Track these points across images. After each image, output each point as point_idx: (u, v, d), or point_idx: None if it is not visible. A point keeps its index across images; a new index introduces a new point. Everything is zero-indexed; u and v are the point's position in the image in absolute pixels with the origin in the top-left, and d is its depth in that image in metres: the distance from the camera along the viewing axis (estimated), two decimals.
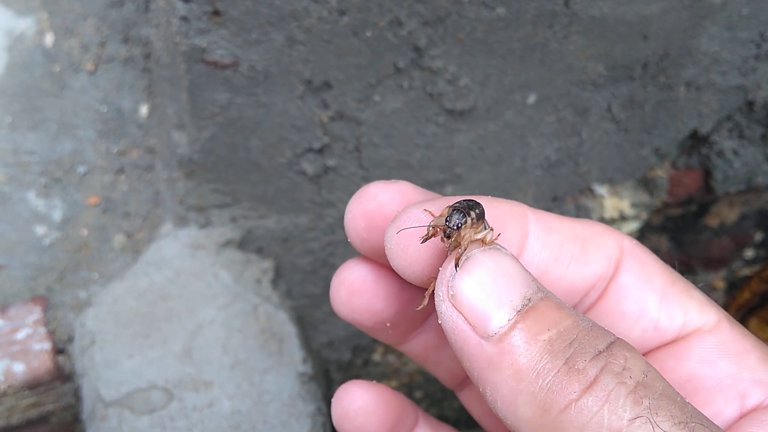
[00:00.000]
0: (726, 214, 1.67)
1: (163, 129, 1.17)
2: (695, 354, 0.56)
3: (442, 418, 1.24)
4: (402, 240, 0.54)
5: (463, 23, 1.01)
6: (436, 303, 0.50)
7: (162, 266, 1.15)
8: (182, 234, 1.18)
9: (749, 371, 0.55)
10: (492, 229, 0.52)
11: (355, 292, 0.64)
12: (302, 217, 1.21)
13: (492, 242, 0.51)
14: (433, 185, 1.23)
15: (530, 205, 0.60)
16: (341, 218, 1.22)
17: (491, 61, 1.08)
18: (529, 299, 0.47)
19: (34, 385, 1.07)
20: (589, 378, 0.43)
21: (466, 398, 0.69)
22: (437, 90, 1.09)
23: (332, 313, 1.41)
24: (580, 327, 0.46)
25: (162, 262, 1.16)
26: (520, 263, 0.50)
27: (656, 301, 0.58)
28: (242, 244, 1.21)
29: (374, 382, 0.66)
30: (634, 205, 1.51)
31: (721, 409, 0.54)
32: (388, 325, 0.64)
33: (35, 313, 1.10)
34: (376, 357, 1.59)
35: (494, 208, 0.57)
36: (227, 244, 1.19)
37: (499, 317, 0.47)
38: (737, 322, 0.58)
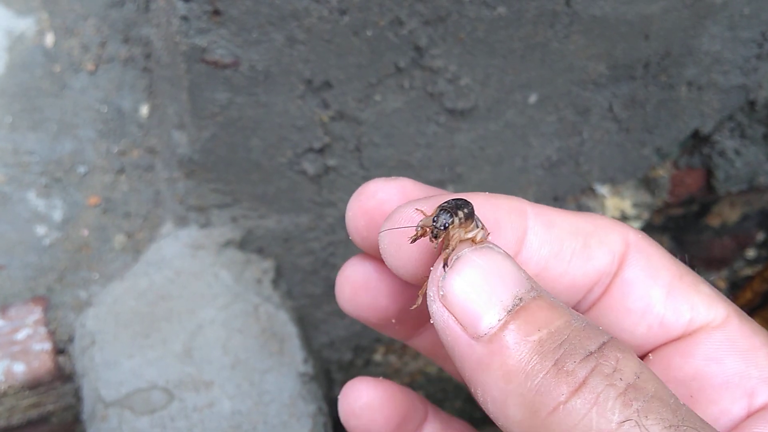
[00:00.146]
0: (728, 214, 1.66)
1: (164, 129, 1.17)
2: (702, 351, 0.55)
3: None
4: (395, 239, 0.54)
5: (463, 23, 1.01)
6: (427, 303, 0.49)
7: (162, 266, 1.15)
8: (183, 234, 1.18)
9: (758, 368, 0.53)
10: (483, 228, 0.52)
11: (359, 289, 0.64)
12: (303, 217, 1.20)
13: (482, 241, 0.50)
14: (434, 185, 1.23)
15: None
16: (342, 218, 1.21)
17: (492, 61, 1.08)
18: (521, 299, 0.47)
19: (34, 385, 1.07)
20: (578, 380, 0.43)
21: None
22: (438, 89, 1.09)
23: (333, 313, 1.40)
24: (572, 327, 0.46)
25: (162, 262, 1.15)
26: (514, 261, 0.49)
27: (662, 296, 0.57)
28: (243, 244, 1.20)
29: (381, 378, 0.65)
30: (635, 205, 1.50)
31: (727, 407, 0.53)
32: (394, 321, 0.64)
33: (35, 314, 1.10)
34: (377, 357, 1.59)
35: (491, 205, 0.56)
36: (228, 244, 1.19)
37: (489, 317, 0.46)
38: (748, 318, 0.57)
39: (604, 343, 0.45)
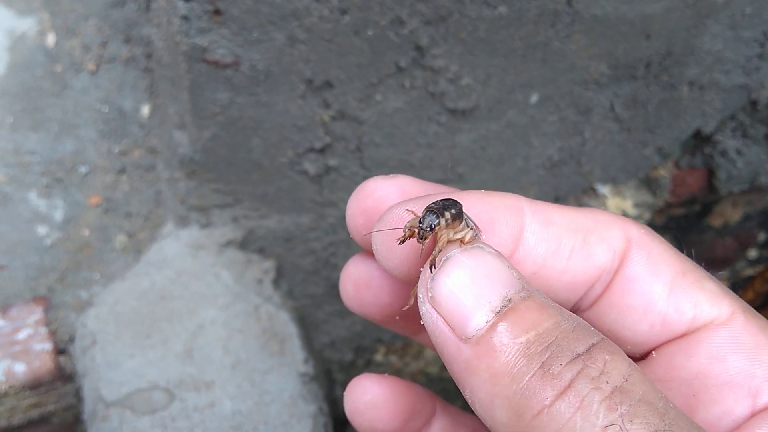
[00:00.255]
0: (729, 214, 1.66)
1: (165, 129, 1.17)
2: (704, 349, 0.54)
3: None
4: (386, 240, 0.54)
5: (464, 22, 1.01)
6: (418, 304, 0.49)
7: (163, 266, 1.15)
8: (184, 234, 1.18)
9: (763, 367, 0.52)
10: (472, 228, 0.51)
11: (362, 287, 0.64)
12: (304, 217, 1.20)
13: (472, 241, 0.49)
14: None
15: None
16: (343, 218, 1.21)
17: (493, 61, 1.08)
18: (510, 300, 0.46)
19: (35, 385, 1.07)
20: (564, 383, 0.42)
21: None
22: (439, 89, 1.08)
23: (334, 313, 1.40)
24: (562, 328, 0.45)
25: (163, 262, 1.15)
26: (505, 261, 0.49)
27: (664, 293, 0.55)
28: (244, 244, 1.20)
29: (386, 375, 0.65)
30: (637, 205, 1.50)
31: (730, 407, 0.52)
32: (398, 318, 0.64)
33: (36, 314, 1.10)
34: (378, 357, 1.59)
35: (485, 203, 0.55)
36: (229, 244, 1.18)
37: (477, 319, 0.46)
38: (756, 314, 0.55)
39: (593, 345, 0.44)
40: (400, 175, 0.60)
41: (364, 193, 0.60)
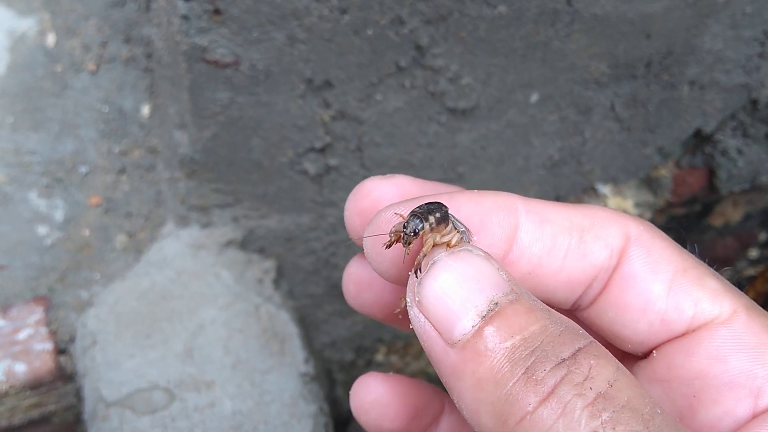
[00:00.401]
0: (730, 213, 1.66)
1: (165, 129, 1.17)
2: (704, 349, 0.53)
3: None
4: (376, 244, 0.53)
5: (464, 22, 1.01)
6: (407, 307, 0.49)
7: (163, 266, 1.15)
8: (184, 234, 1.18)
9: (764, 367, 0.51)
10: (460, 231, 0.51)
11: (364, 286, 0.64)
12: (304, 217, 1.20)
13: (458, 244, 0.49)
14: None
15: None
16: (343, 218, 1.21)
17: (493, 60, 1.08)
18: (497, 303, 0.46)
19: (35, 385, 1.07)
20: (547, 389, 0.42)
21: None
22: (439, 89, 1.08)
23: (334, 313, 1.40)
24: (548, 332, 0.45)
25: (164, 262, 1.15)
26: (494, 263, 0.48)
27: (663, 291, 0.54)
28: (244, 244, 1.20)
29: (391, 373, 0.65)
30: (637, 205, 1.50)
31: (731, 408, 0.51)
32: (401, 317, 0.64)
33: (37, 314, 1.10)
34: (379, 357, 1.59)
35: (476, 204, 0.55)
36: (229, 243, 1.18)
37: (463, 324, 0.45)
38: (761, 312, 0.54)
39: (578, 349, 0.44)
40: (397, 175, 0.60)
41: (361, 194, 0.60)
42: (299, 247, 1.25)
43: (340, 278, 1.32)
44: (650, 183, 1.48)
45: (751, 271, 1.83)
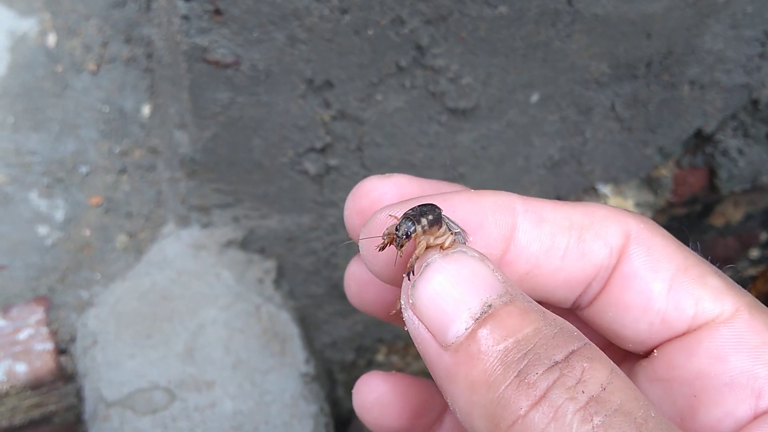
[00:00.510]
0: (731, 213, 1.66)
1: (165, 129, 1.17)
2: (705, 348, 0.52)
3: None
4: (371, 246, 0.53)
5: (465, 21, 1.01)
6: (401, 310, 0.49)
7: (164, 266, 1.15)
8: (184, 234, 1.18)
9: (766, 367, 0.50)
10: (454, 233, 0.50)
11: (365, 285, 0.64)
12: (304, 217, 1.20)
13: (452, 246, 0.49)
14: None
15: None
16: (343, 218, 1.21)
17: (494, 60, 1.08)
18: (490, 305, 0.45)
19: (36, 385, 1.07)
20: (539, 392, 0.42)
21: None
22: (440, 89, 1.08)
23: (335, 314, 1.40)
24: (542, 334, 0.44)
25: (164, 262, 1.15)
26: (489, 264, 0.48)
27: (663, 290, 0.53)
28: (244, 244, 1.20)
29: (393, 372, 0.65)
30: (638, 205, 1.50)
31: (732, 409, 0.50)
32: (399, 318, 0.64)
33: (37, 314, 1.10)
34: (380, 357, 1.59)
35: (472, 204, 0.54)
36: (229, 244, 1.18)
37: (456, 326, 0.45)
38: (764, 310, 0.52)
39: (572, 352, 0.44)
40: (396, 174, 0.60)
41: (360, 193, 0.60)
42: (300, 247, 1.25)
43: (340, 278, 1.32)
44: (651, 183, 1.48)
45: (752, 271, 1.83)
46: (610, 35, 1.12)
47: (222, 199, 1.15)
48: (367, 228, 0.54)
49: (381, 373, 0.65)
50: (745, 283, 1.84)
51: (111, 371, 1.04)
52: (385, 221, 0.52)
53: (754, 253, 1.79)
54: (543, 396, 0.41)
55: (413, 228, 0.48)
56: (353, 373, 1.57)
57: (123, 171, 1.25)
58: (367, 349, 1.54)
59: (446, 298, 0.46)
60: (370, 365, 1.59)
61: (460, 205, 0.54)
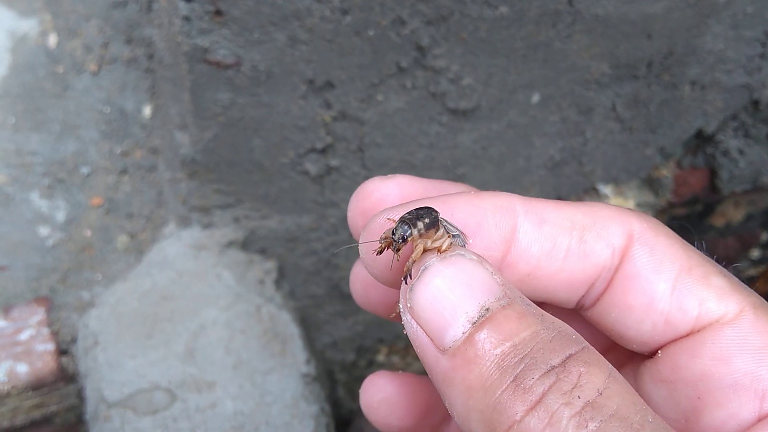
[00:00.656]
0: (732, 214, 1.66)
1: (166, 129, 1.17)
2: (709, 350, 0.51)
3: None
4: (370, 249, 0.53)
5: (465, 22, 1.01)
6: (400, 313, 0.49)
7: (165, 267, 1.15)
8: (185, 234, 1.18)
9: None
10: (452, 235, 0.50)
11: (370, 285, 0.64)
12: (305, 218, 1.20)
13: (449, 249, 0.48)
14: None
15: None
16: (344, 219, 1.21)
17: (494, 61, 1.08)
18: (488, 309, 0.45)
19: (37, 386, 1.07)
20: (535, 397, 0.41)
21: None
22: (440, 89, 1.08)
23: (336, 314, 1.40)
24: (539, 338, 0.44)
25: (165, 262, 1.15)
26: (487, 267, 0.48)
27: (667, 291, 0.53)
28: (245, 245, 1.20)
29: (400, 372, 0.65)
30: (638, 205, 1.50)
31: (735, 411, 0.50)
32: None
33: (38, 314, 1.10)
34: (380, 358, 1.59)
35: (472, 206, 0.54)
36: (230, 244, 1.18)
37: (454, 330, 0.45)
38: None
39: (569, 356, 0.43)
40: (398, 175, 0.60)
41: (363, 195, 0.60)
42: (300, 247, 1.25)
43: (341, 279, 1.33)
44: (651, 183, 1.48)
45: (752, 272, 1.83)
46: (610, 36, 1.12)
47: (223, 199, 1.15)
48: (366, 231, 0.54)
49: (388, 372, 0.65)
50: (745, 283, 1.84)
51: (112, 372, 1.04)
52: (384, 224, 0.52)
53: (755, 253, 1.79)
54: (539, 401, 0.41)
55: (409, 232, 0.48)
56: (354, 373, 1.57)
57: (124, 171, 1.25)
58: (367, 349, 1.54)
59: (444, 301, 0.46)
60: (371, 366, 1.59)
61: (459, 207, 0.53)
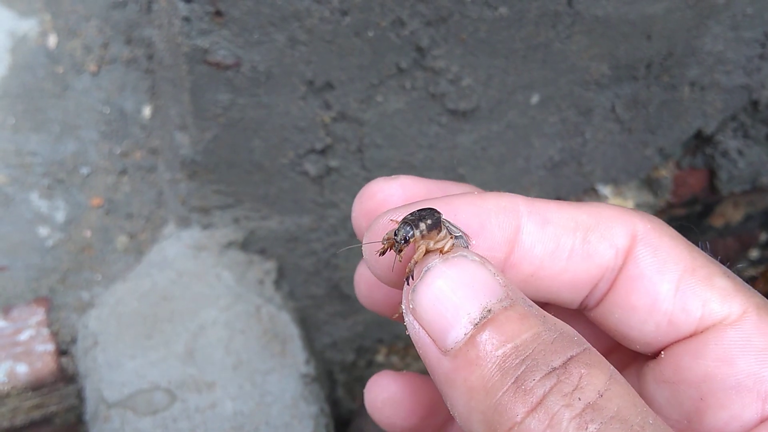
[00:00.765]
0: (731, 214, 1.66)
1: (166, 130, 1.17)
2: (712, 351, 0.51)
3: None
4: (373, 250, 0.53)
5: (465, 23, 1.01)
6: (403, 314, 0.49)
7: (165, 267, 1.15)
8: (185, 235, 1.18)
9: None
10: (455, 236, 0.50)
11: (374, 285, 0.64)
12: (305, 218, 1.20)
13: (451, 250, 0.49)
14: None
15: None
16: (344, 219, 1.21)
17: (494, 61, 1.08)
18: (490, 310, 0.45)
19: (37, 386, 1.07)
20: (536, 399, 0.42)
21: None
22: (440, 90, 1.08)
23: (335, 314, 1.40)
24: (541, 340, 0.44)
25: (165, 263, 1.16)
26: (490, 268, 0.48)
27: (670, 292, 0.53)
28: (245, 245, 1.20)
29: (404, 372, 0.65)
30: (638, 206, 1.50)
31: (738, 412, 0.50)
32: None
33: (38, 315, 1.10)
34: (380, 358, 1.59)
35: (475, 207, 0.54)
36: (230, 245, 1.19)
37: (456, 331, 0.45)
38: None
39: (570, 358, 0.43)
40: (402, 176, 0.60)
41: (367, 195, 0.60)
42: (300, 248, 1.25)
43: (340, 279, 1.33)
44: (651, 184, 1.48)
45: (752, 272, 1.83)
46: (610, 36, 1.12)
47: (222, 200, 1.15)
48: (370, 232, 0.54)
49: (392, 372, 0.65)
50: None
51: (112, 372, 1.04)
52: (387, 225, 0.52)
53: (754, 253, 1.79)
54: (539, 403, 0.41)
55: (411, 233, 0.48)
56: (353, 373, 1.57)
57: (123, 172, 1.25)
58: (367, 349, 1.54)
59: (446, 303, 0.46)
60: (370, 366, 1.59)
61: (462, 208, 0.53)
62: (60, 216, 1.21)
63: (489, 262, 0.49)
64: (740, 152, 1.44)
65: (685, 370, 0.52)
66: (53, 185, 1.21)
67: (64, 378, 1.10)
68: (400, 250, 0.49)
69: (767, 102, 1.36)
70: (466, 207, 0.53)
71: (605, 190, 1.41)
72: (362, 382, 1.60)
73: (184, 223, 1.19)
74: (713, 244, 1.73)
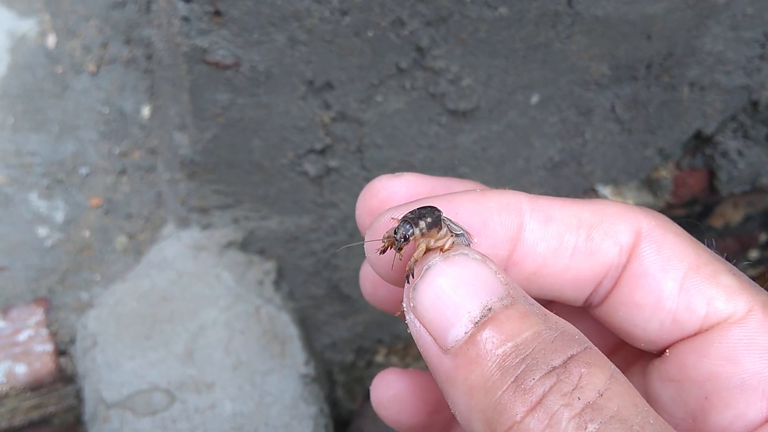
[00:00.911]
0: (730, 215, 1.66)
1: (165, 130, 1.17)
2: (716, 350, 0.51)
3: None
4: (375, 248, 0.53)
5: (465, 23, 1.01)
6: (404, 312, 0.49)
7: (164, 267, 1.15)
8: (184, 235, 1.18)
9: None
10: (456, 234, 0.50)
11: (378, 283, 0.64)
12: (304, 218, 1.20)
13: (452, 248, 0.48)
14: None
15: None
16: (343, 219, 1.21)
17: (494, 61, 1.08)
18: (490, 308, 0.45)
19: (36, 386, 1.07)
20: (535, 398, 0.41)
21: None
22: (440, 90, 1.08)
23: (335, 315, 1.40)
24: (541, 338, 0.44)
25: (164, 263, 1.15)
26: (491, 266, 0.48)
27: (674, 290, 0.52)
28: (244, 246, 1.20)
29: (411, 369, 0.65)
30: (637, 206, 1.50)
31: (743, 411, 0.49)
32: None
33: (37, 315, 1.10)
34: (379, 358, 1.59)
35: (477, 205, 0.53)
36: (229, 245, 1.18)
37: (456, 330, 0.45)
38: None
39: (570, 357, 0.43)
40: (406, 174, 0.60)
41: (370, 193, 0.60)
42: (300, 248, 1.25)
43: (340, 279, 1.33)
44: (651, 184, 1.48)
45: (751, 273, 1.83)
46: (610, 37, 1.12)
47: (222, 200, 1.15)
48: (371, 230, 0.54)
49: (398, 369, 0.65)
50: None
51: (111, 372, 1.04)
52: (388, 223, 0.52)
53: (754, 254, 1.79)
54: (539, 402, 0.41)
55: (411, 231, 0.48)
56: (353, 374, 1.57)
57: (123, 172, 1.25)
58: (366, 350, 1.54)
59: (446, 301, 0.46)
60: (370, 366, 1.59)
61: (464, 206, 0.53)
62: (59, 216, 1.21)
63: (490, 259, 0.49)
64: (740, 153, 1.44)
65: (689, 369, 0.52)
66: (52, 185, 1.21)
67: (63, 378, 1.09)
68: (400, 249, 0.49)
69: (767, 102, 1.36)
70: (467, 205, 0.53)
71: (605, 190, 1.41)
72: (362, 382, 1.60)
73: (183, 223, 1.18)
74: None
